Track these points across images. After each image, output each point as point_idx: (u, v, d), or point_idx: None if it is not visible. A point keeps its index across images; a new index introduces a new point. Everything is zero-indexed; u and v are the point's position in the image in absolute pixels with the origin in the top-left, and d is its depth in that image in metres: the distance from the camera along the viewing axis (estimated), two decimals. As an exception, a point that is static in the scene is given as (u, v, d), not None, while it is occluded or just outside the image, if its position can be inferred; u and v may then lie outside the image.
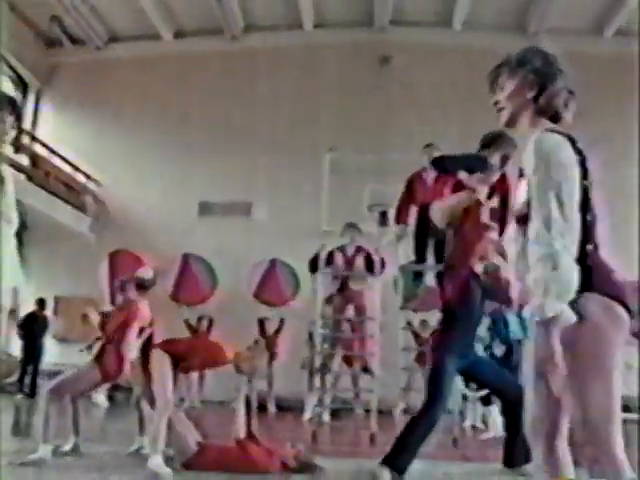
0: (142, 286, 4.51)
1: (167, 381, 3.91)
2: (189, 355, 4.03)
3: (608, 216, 2.11)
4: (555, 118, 2.11)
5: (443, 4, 12.94)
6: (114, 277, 8.96)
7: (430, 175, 6.21)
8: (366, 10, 13.21)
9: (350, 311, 8.29)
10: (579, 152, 1.95)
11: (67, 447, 4.26)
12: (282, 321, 10.13)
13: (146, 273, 4.54)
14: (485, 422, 7.42)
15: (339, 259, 7.91)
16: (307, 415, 8.15)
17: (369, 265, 7.76)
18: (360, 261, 8.03)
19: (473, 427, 7.69)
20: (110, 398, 9.90)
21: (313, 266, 7.65)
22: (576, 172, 1.88)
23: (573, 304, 1.71)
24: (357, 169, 10.83)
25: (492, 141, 4.05)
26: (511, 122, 2.11)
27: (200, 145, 13.03)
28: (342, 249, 8.02)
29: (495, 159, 4.12)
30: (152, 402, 3.96)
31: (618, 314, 1.82)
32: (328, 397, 8.13)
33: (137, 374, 4.33)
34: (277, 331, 10.03)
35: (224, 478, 3.63)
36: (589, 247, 1.83)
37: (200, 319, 10.01)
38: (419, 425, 3.69)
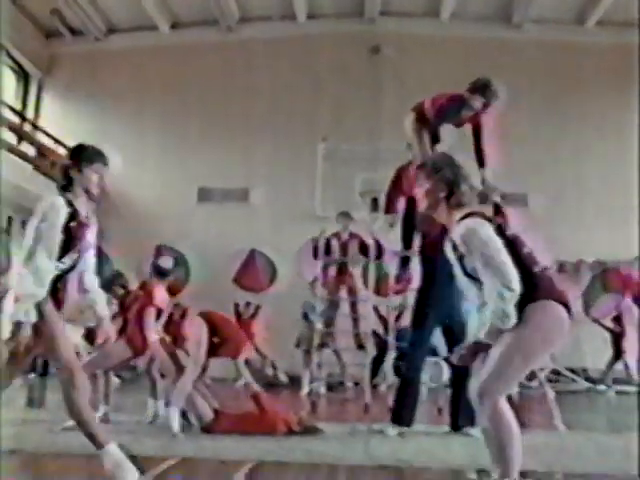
0: (161, 273, 5.08)
1: (203, 344, 4.55)
2: (222, 328, 4.64)
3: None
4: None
5: (431, -5, 13.41)
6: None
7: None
8: (357, 1, 13.64)
9: (343, 292, 9.05)
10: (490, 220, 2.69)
11: (98, 414, 4.83)
12: (258, 307, 10.67)
13: (166, 263, 5.07)
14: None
15: (335, 244, 8.58)
16: (305, 390, 8.76)
17: (363, 249, 8.55)
18: (354, 245, 8.78)
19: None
20: (118, 376, 10.47)
21: (314, 251, 8.38)
22: (496, 239, 2.71)
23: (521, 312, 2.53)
24: (349, 157, 11.35)
25: (479, 88, 5.04)
26: (431, 209, 2.93)
27: (198, 133, 13.50)
28: (337, 235, 8.70)
29: (478, 103, 5.07)
30: (173, 372, 4.56)
31: (558, 313, 2.47)
32: (324, 372, 8.80)
33: (158, 348, 4.88)
34: (253, 315, 10.58)
35: (238, 439, 4.21)
36: (536, 270, 2.63)
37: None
38: (411, 385, 4.46)
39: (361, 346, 8.18)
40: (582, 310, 11.04)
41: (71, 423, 4.46)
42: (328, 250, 8.42)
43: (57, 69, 14.40)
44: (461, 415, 4.71)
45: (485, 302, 2.62)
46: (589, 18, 13.38)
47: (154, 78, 13.83)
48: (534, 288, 2.60)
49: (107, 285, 4.89)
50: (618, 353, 10.00)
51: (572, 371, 11.35)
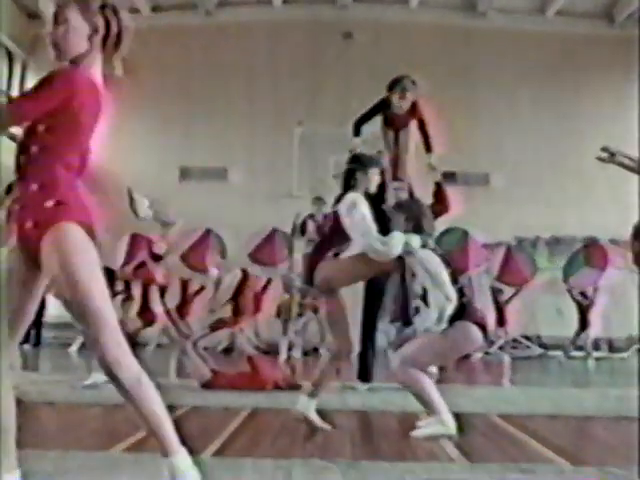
0: (157, 257, 5.85)
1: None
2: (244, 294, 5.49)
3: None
4: None
5: (401, -16, 14.08)
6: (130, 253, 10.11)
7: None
8: (330, -12, 14.31)
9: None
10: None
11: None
12: (269, 280, 11.29)
13: (159, 248, 5.81)
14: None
15: (311, 226, 9.39)
16: (283, 356, 9.60)
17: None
18: (328, 226, 9.61)
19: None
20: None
21: (292, 232, 9.23)
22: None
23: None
24: (324, 140, 12.11)
25: (392, 85, 5.95)
26: None
27: (178, 114, 14.09)
28: (312, 217, 9.50)
29: (396, 98, 5.94)
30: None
31: (475, 335, 3.50)
32: (300, 340, 9.70)
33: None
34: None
35: (235, 393, 5.03)
36: (464, 300, 3.53)
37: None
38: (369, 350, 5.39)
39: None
40: (561, 279, 11.86)
41: (90, 382, 5.28)
42: (304, 230, 9.29)
43: (40, 50, 14.81)
44: None
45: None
46: (549, 8, 14.18)
47: (135, 59, 14.29)
48: (464, 310, 3.49)
49: None
50: (584, 324, 10.91)
51: (527, 338, 12.38)
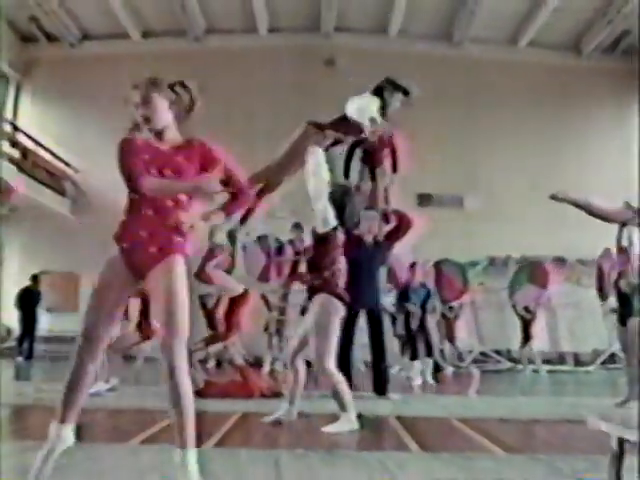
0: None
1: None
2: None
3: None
4: None
5: (381, 14, 14.78)
6: None
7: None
8: (314, 17, 14.97)
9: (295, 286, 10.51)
10: None
11: (113, 384, 6.16)
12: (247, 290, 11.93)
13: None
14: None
15: (289, 250, 10.02)
16: (266, 368, 10.17)
17: None
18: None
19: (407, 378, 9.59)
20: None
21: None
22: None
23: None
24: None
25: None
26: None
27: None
28: (292, 242, 10.07)
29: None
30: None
31: (336, 304, 4.21)
32: (282, 353, 10.27)
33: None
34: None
35: (226, 400, 5.61)
36: (325, 274, 4.28)
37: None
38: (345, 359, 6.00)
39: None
40: (508, 296, 12.62)
41: (94, 390, 5.81)
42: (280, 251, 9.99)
43: (34, 73, 15.40)
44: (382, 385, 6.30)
45: None
46: (521, 39, 14.99)
47: (126, 83, 14.86)
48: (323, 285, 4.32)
49: None
50: (527, 337, 11.57)
51: (497, 352, 13.04)
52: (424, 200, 14.10)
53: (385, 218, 6.84)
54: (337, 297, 4.40)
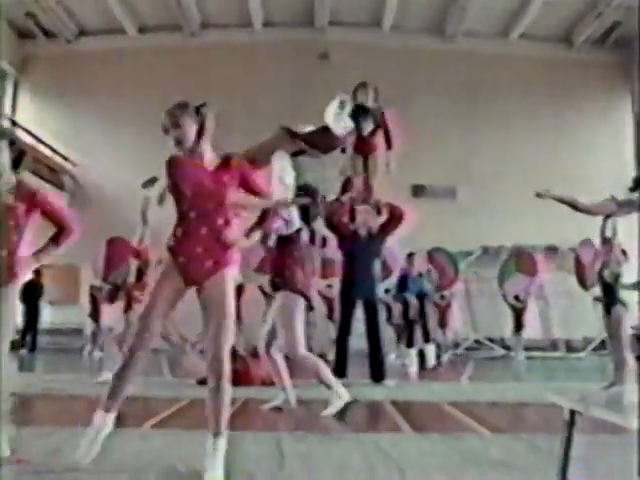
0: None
1: None
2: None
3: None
4: None
5: (374, 9, 14.97)
6: (109, 262, 10.86)
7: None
8: (308, 12, 15.16)
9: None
10: None
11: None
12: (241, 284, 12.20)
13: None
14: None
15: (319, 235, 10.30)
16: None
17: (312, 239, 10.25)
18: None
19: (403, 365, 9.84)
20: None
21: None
22: None
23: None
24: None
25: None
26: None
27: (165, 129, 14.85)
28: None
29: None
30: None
31: (297, 299, 4.55)
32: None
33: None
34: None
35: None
36: (286, 273, 4.62)
37: None
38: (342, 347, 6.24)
39: (311, 307, 9.96)
40: (498, 285, 12.91)
41: (103, 379, 6.08)
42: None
43: (32, 69, 15.56)
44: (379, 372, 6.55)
45: None
46: (512, 31, 15.20)
47: (123, 78, 15.12)
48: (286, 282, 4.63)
49: None
50: (518, 326, 11.85)
51: (491, 340, 13.34)
52: (418, 191, 14.35)
53: (377, 210, 7.09)
54: (298, 293, 4.70)
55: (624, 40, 14.81)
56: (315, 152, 5.54)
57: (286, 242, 4.79)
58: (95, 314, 11.06)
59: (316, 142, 5.42)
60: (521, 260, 13.07)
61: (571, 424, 2.17)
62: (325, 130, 5.60)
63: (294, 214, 4.84)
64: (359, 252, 6.51)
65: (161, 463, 2.96)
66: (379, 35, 15.26)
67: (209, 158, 3.04)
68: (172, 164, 3.05)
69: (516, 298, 12.00)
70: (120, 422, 4.19)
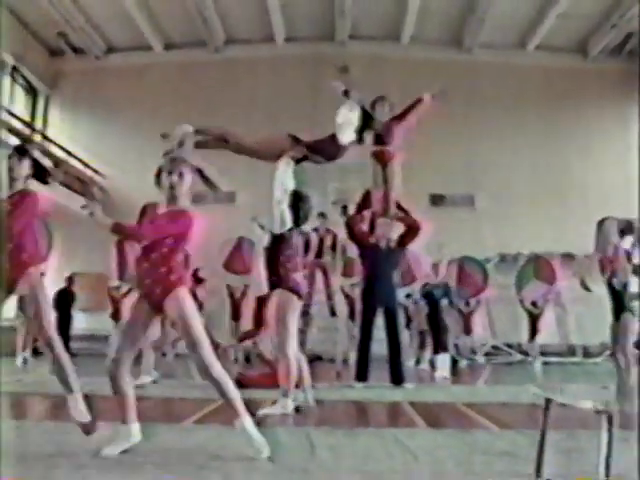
0: (199, 280, 7.13)
1: None
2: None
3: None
4: None
5: (393, 22, 15.35)
6: (121, 261, 11.25)
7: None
8: (328, 26, 15.58)
9: (320, 275, 11.12)
10: None
11: (155, 377, 6.85)
12: (246, 287, 12.50)
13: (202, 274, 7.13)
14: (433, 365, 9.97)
15: (314, 237, 10.66)
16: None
17: (334, 244, 10.69)
18: (329, 239, 10.80)
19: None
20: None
21: None
22: None
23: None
24: (322, 167, 13.32)
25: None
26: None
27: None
28: (316, 229, 10.72)
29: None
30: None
31: (291, 297, 4.81)
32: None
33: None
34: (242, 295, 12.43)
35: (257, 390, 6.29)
36: (281, 272, 4.94)
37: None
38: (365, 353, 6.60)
39: (334, 313, 10.36)
40: (515, 291, 13.16)
41: (141, 382, 6.51)
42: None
43: (62, 85, 16.15)
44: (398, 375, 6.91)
45: None
46: (529, 43, 15.50)
47: (149, 93, 15.65)
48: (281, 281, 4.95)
49: None
50: (534, 332, 12.13)
51: (509, 346, 13.61)
52: (437, 200, 14.70)
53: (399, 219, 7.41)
54: (291, 291, 5.03)
55: (637, 50, 15.07)
56: (318, 159, 5.95)
57: (279, 241, 5.17)
58: (116, 314, 11.31)
59: (320, 149, 5.84)
60: (539, 267, 13.23)
61: (546, 409, 2.54)
62: (331, 138, 6.02)
63: (286, 214, 5.24)
64: (379, 262, 6.90)
65: (206, 452, 3.36)
66: (398, 48, 15.65)
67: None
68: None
69: (533, 304, 12.27)
70: (166, 419, 4.64)
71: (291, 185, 5.13)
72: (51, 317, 3.69)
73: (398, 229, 7.44)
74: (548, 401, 2.57)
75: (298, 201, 5.29)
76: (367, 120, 6.78)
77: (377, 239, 7.05)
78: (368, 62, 15.35)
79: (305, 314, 10.55)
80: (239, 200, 15.07)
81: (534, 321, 12.12)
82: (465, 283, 12.97)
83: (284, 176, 5.00)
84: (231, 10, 14.98)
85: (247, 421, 3.28)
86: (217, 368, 3.28)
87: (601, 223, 5.76)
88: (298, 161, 5.49)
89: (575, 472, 2.83)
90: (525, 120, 15.29)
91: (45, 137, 15.05)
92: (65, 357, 3.58)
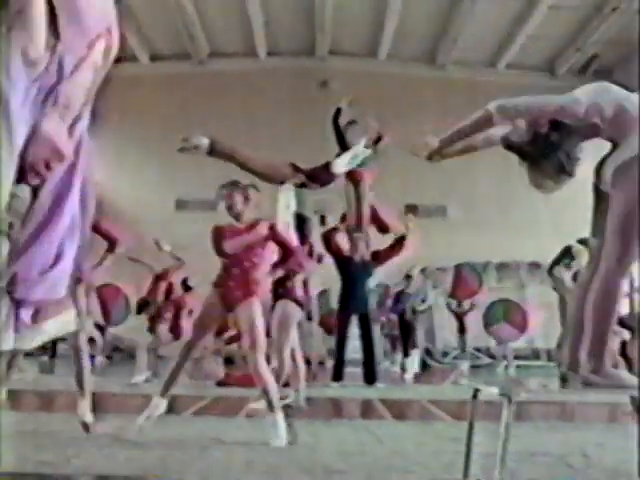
0: (188, 287, 7.74)
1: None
2: None
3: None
4: None
5: (371, 40, 16.05)
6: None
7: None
8: (309, 41, 16.23)
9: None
10: None
11: (146, 376, 7.45)
12: None
13: (192, 281, 7.72)
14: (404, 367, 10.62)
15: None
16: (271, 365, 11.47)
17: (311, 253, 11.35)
18: (307, 248, 11.47)
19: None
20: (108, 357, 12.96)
21: None
22: None
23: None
24: (303, 178, 14.01)
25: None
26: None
27: (174, 151, 15.91)
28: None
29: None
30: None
31: (296, 308, 5.62)
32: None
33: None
34: None
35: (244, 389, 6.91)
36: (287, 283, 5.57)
37: None
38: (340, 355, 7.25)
39: (310, 318, 11.01)
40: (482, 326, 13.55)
41: (134, 380, 7.11)
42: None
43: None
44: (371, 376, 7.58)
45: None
46: (500, 61, 16.31)
47: (134, 104, 16.17)
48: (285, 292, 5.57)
49: None
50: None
51: (478, 350, 14.36)
52: (411, 210, 15.42)
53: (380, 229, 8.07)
54: (296, 302, 5.80)
55: (604, 70, 15.94)
56: (314, 185, 6.65)
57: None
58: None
59: (316, 177, 6.53)
60: (510, 310, 12.98)
61: (474, 397, 3.21)
62: (325, 167, 6.71)
63: (292, 230, 5.92)
64: (354, 274, 7.56)
65: (206, 437, 4.01)
66: (376, 64, 16.35)
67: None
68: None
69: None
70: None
71: (293, 207, 5.83)
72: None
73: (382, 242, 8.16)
74: (476, 390, 3.22)
75: (302, 223, 6.01)
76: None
77: (352, 253, 7.69)
78: (347, 77, 16.04)
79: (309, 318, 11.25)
80: (220, 208, 15.63)
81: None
82: (459, 287, 13.69)
83: (287, 201, 5.70)
84: (215, 24, 15.60)
85: (279, 414, 3.89)
86: (264, 368, 3.92)
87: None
88: (296, 186, 6.19)
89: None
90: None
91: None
92: (88, 364, 4.19)
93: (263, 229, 4.16)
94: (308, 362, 12.04)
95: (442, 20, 15.12)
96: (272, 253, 4.25)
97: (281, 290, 5.79)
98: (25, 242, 1.53)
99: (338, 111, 7.22)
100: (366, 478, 3.13)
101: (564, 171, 3.08)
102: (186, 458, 3.47)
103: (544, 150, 3.07)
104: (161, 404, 4.01)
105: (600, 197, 3.03)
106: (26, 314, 1.53)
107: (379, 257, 7.85)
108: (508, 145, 3.31)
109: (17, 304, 1.51)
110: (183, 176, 15.65)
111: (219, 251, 4.18)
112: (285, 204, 6.09)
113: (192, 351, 4.06)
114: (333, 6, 14.41)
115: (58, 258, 1.58)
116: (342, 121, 7.26)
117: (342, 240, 7.83)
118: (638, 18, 11.89)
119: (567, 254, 7.93)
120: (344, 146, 7.05)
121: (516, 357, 13.31)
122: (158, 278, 8.10)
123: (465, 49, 15.79)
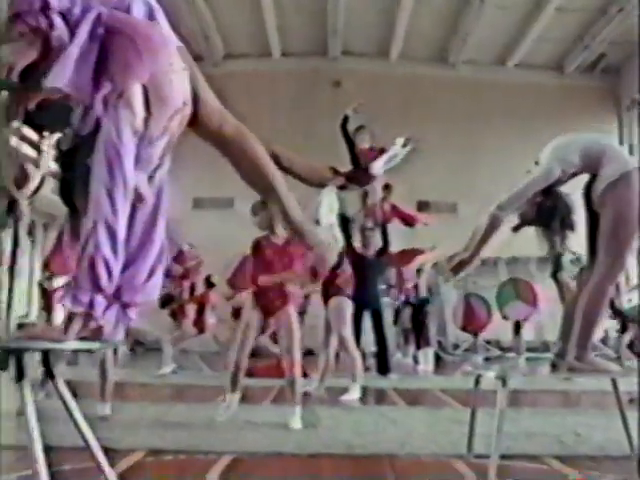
0: (211, 284, 8.17)
1: None
2: None
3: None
4: None
5: (382, 40, 16.39)
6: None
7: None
8: (322, 42, 16.59)
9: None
10: None
11: (173, 368, 7.88)
12: None
13: (215, 279, 8.18)
14: (416, 360, 10.96)
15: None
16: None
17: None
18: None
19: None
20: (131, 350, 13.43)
21: None
22: None
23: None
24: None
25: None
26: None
27: (192, 150, 16.36)
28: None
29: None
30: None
31: (349, 302, 6.14)
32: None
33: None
34: None
35: (266, 380, 7.34)
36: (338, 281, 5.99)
37: None
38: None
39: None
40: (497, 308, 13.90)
41: (161, 372, 7.55)
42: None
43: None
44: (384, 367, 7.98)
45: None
46: (509, 60, 16.62)
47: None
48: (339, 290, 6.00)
49: None
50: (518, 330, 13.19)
51: (488, 342, 14.72)
52: (423, 207, 15.78)
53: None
54: (349, 297, 6.32)
55: (611, 68, 16.24)
56: (354, 187, 7.14)
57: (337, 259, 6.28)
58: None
59: (355, 179, 7.01)
60: (519, 287, 13.43)
61: (476, 383, 3.60)
62: (364, 169, 7.18)
63: (338, 235, 6.34)
64: (366, 270, 7.93)
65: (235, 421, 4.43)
66: (388, 64, 16.69)
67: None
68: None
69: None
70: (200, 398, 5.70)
71: (336, 208, 6.21)
72: None
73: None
74: (479, 376, 3.61)
75: (346, 223, 6.44)
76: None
77: (364, 250, 8.05)
78: (360, 77, 16.40)
79: (301, 313, 11.62)
80: (237, 205, 16.08)
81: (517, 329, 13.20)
82: (470, 319, 13.73)
83: (330, 202, 6.08)
84: (230, 26, 15.99)
85: (297, 406, 4.43)
86: (298, 368, 4.42)
87: None
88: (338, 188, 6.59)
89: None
90: (505, 133, 16.38)
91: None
92: (112, 369, 4.63)
93: (297, 252, 4.61)
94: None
95: (452, 21, 15.44)
96: (303, 266, 4.66)
97: (334, 290, 6.24)
98: (125, 263, 2.02)
99: (346, 118, 7.53)
100: (383, 451, 3.54)
101: (566, 225, 3.89)
102: (227, 437, 3.90)
103: (547, 214, 3.90)
104: (234, 399, 4.53)
105: (591, 216, 3.58)
106: (133, 313, 2.00)
107: (390, 259, 8.24)
108: (524, 222, 4.16)
109: (124, 306, 1.97)
110: (199, 174, 16.06)
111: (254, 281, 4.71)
112: (329, 206, 6.47)
113: (245, 351, 4.63)
114: (345, 8, 14.79)
115: (151, 273, 2.11)
116: (351, 127, 7.54)
117: (355, 238, 8.20)
118: (638, 21, 12.15)
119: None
120: (353, 152, 7.40)
121: (526, 349, 13.68)
122: (181, 278, 8.48)
123: (475, 49, 16.06)
